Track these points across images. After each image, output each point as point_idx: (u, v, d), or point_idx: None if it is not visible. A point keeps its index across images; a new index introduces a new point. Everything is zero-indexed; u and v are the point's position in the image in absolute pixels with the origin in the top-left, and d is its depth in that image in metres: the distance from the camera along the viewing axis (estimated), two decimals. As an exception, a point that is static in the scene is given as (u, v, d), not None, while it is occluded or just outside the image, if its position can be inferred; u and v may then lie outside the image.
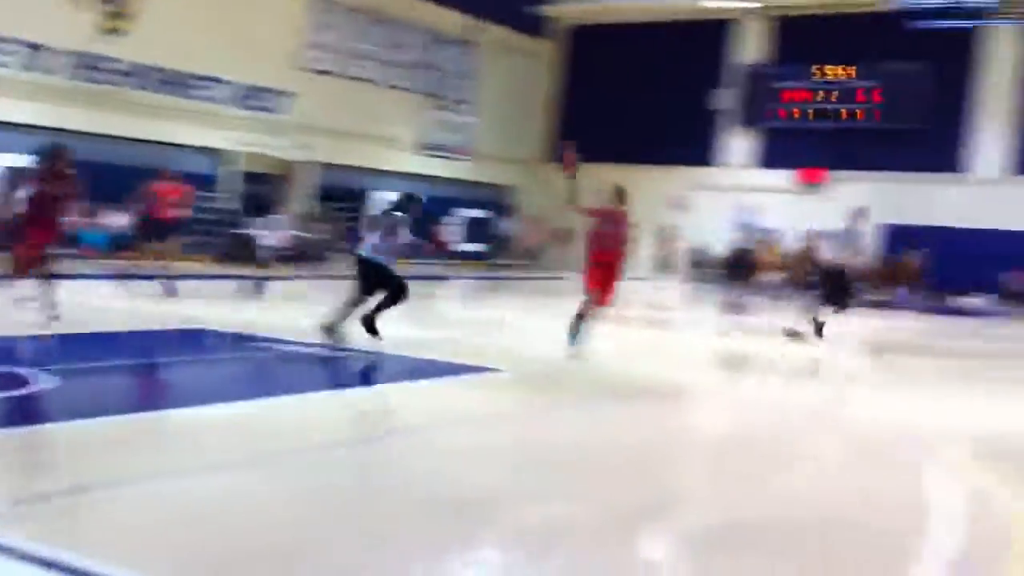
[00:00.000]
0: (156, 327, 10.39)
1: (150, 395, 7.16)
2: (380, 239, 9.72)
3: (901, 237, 25.32)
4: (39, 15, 20.15)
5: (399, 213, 9.98)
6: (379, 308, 9.59)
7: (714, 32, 30.69)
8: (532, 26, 32.20)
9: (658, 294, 19.81)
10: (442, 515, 4.54)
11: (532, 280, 24.88)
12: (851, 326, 14.03)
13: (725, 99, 30.35)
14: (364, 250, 9.72)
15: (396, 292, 9.60)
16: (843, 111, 28.56)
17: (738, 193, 28.70)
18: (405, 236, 9.94)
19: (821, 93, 28.86)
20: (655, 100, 30.45)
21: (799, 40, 29.38)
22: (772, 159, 29.73)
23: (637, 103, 30.67)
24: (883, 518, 5.07)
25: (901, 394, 9.64)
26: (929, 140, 26.99)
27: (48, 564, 3.50)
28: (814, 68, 28.84)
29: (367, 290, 9.61)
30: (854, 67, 28.41)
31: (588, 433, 6.80)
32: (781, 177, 28.88)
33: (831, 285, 13.17)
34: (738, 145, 30.59)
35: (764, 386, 9.99)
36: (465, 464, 5.60)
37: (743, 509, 5.10)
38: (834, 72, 28.73)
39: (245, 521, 4.30)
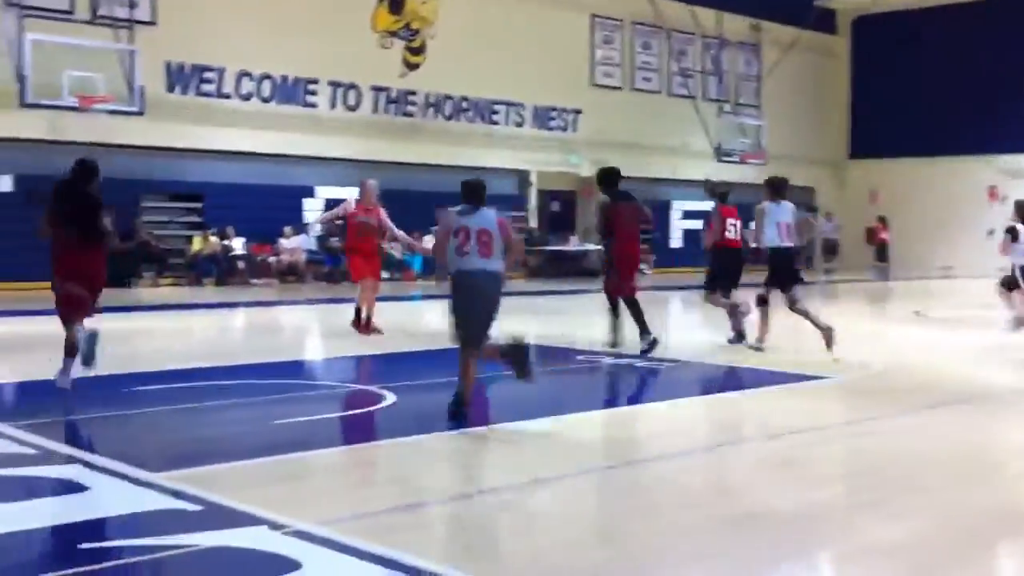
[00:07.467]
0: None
1: (477, 412, 7.38)
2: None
3: None
4: (349, 58, 21.96)
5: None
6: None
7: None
8: (816, 21, 31.10)
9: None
10: (769, 528, 4.50)
11: (838, 283, 23.94)
12: None
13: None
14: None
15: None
16: None
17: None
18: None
19: None
20: (955, 86, 28.56)
21: None
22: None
23: (933, 91, 28.89)
24: None
25: None
26: None
27: (388, 563, 3.82)
28: None
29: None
30: None
31: (926, 442, 6.47)
32: None
33: None
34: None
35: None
36: (799, 476, 5.53)
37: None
38: None
39: (571, 534, 4.50)
